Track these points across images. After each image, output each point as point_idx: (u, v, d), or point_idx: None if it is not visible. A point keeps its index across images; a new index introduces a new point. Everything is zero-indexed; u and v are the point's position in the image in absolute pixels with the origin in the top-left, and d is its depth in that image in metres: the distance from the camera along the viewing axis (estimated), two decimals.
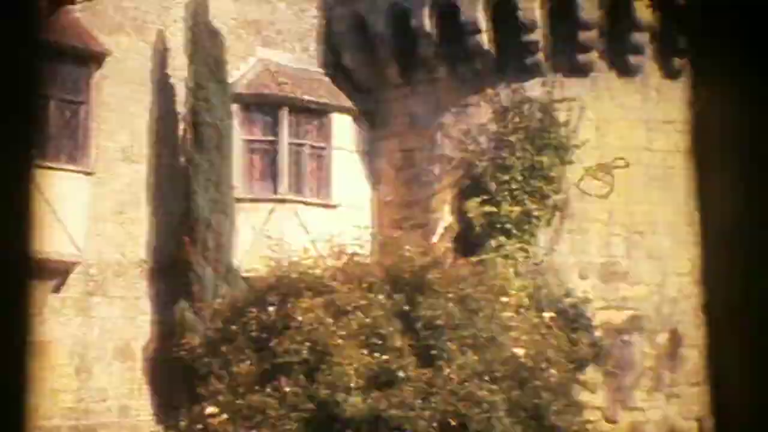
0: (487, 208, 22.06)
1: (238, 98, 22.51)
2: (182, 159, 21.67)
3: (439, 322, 17.21)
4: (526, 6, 22.42)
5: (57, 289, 19.87)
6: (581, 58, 22.70)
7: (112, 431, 20.53)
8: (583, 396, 19.71)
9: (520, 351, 16.70)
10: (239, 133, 22.44)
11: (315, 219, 22.60)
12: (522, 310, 19.37)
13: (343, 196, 23.48)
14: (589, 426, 20.09)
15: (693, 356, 22.32)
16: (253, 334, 18.07)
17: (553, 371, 17.27)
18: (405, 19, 23.23)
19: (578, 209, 22.42)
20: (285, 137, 22.88)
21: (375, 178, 24.31)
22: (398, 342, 17.06)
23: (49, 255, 17.85)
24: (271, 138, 22.93)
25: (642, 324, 22.20)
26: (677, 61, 22.67)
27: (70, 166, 20.00)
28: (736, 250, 1.63)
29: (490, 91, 22.97)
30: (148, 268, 21.24)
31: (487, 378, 16.10)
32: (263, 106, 23.04)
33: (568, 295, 21.50)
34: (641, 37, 22.64)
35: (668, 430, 21.83)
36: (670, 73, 23.03)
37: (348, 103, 23.87)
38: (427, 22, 22.97)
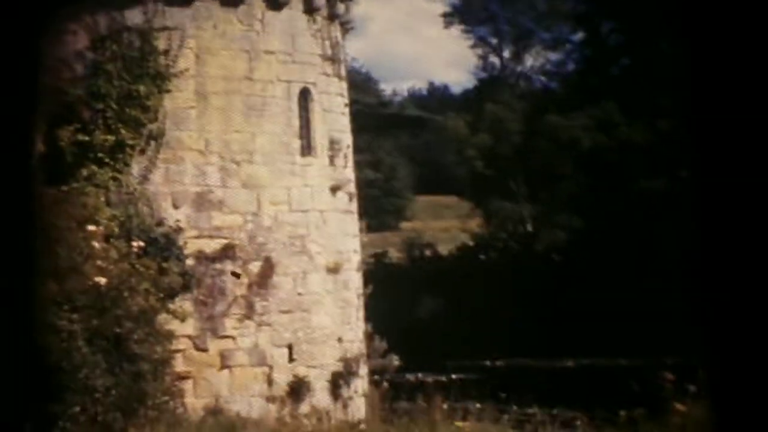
0: (80, 137, 21.74)
1: None
2: None
3: None
4: None
5: None
6: None
7: None
8: (173, 325, 19.85)
9: (102, 280, 16.59)
10: None
11: None
12: (112, 239, 19.26)
13: None
14: (178, 354, 20.30)
15: (285, 284, 22.93)
16: None
17: (139, 300, 17.28)
18: None
19: (174, 138, 22.42)
20: None
21: None
22: None
23: None
24: None
25: (235, 253, 22.55)
26: None
27: None
28: None
29: (88, 18, 22.55)
30: None
31: (66, 307, 15.95)
32: None
33: (160, 224, 21.55)
34: None
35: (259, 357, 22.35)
36: (274, 5, 23.39)
37: None
38: None
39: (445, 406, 14.32)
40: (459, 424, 11.28)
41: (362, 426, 13.11)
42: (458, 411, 13.30)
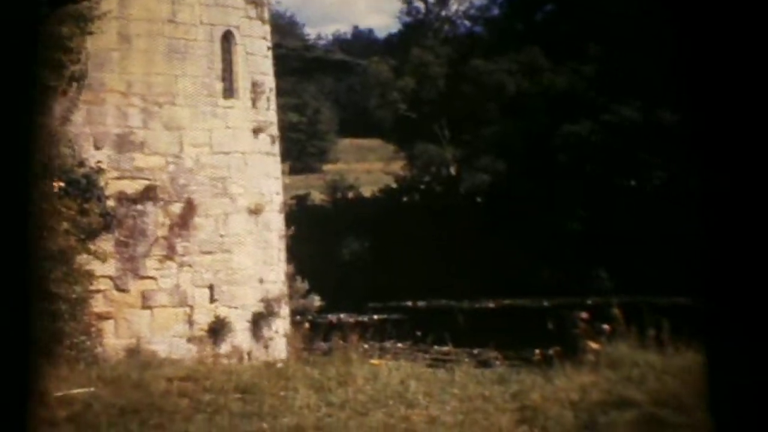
0: None
1: None
2: None
3: None
4: None
5: None
6: None
7: None
8: (94, 265, 19.85)
9: None
10: None
11: None
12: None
13: None
14: (98, 295, 20.33)
15: (206, 225, 23.01)
16: None
17: (58, 240, 17.28)
18: None
19: (96, 80, 22.30)
20: None
21: None
22: None
23: None
24: None
25: (157, 194, 22.56)
26: None
27: None
28: None
29: None
30: None
31: None
32: None
33: (81, 165, 21.47)
34: None
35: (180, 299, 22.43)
36: None
37: None
38: None
39: (367, 346, 14.57)
40: (374, 361, 11.53)
41: (279, 365, 13.32)
42: (376, 350, 13.57)
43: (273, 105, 25.59)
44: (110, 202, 21.73)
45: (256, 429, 8.92)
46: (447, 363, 14.53)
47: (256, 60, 24.78)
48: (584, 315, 13.56)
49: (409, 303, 50.38)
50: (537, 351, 14.40)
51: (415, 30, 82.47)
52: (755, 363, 1.44)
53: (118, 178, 22.17)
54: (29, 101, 1.74)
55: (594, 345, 12.66)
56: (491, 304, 50.81)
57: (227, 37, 23.87)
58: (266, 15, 25.52)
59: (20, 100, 1.71)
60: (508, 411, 9.21)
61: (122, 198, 22.09)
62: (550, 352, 13.38)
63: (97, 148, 22.15)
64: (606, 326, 12.96)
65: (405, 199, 66.73)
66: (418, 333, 18.66)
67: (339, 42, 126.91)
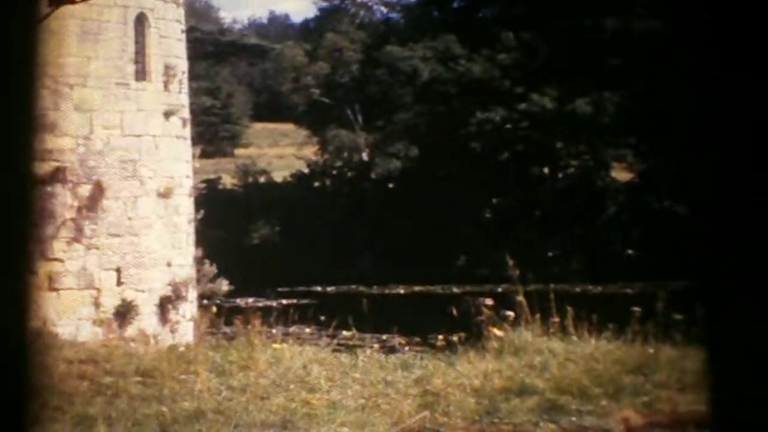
0: None
1: None
2: None
3: None
4: None
5: None
6: None
7: None
8: None
9: None
10: None
11: None
12: None
13: None
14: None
15: (115, 208, 22.87)
16: None
17: None
18: None
19: None
20: None
21: None
22: None
23: None
24: None
25: (66, 176, 22.38)
26: None
27: None
28: None
29: None
30: None
31: None
32: None
33: None
34: None
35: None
36: None
37: None
38: None
39: (274, 330, 14.60)
40: (276, 345, 11.56)
41: (181, 349, 13.31)
42: (280, 335, 13.59)
43: (185, 88, 25.48)
44: None
45: (155, 412, 8.91)
46: (352, 348, 14.62)
47: (170, 43, 24.66)
48: (489, 302, 13.67)
49: (319, 288, 50.40)
50: (440, 337, 14.51)
51: (332, 15, 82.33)
52: (756, 352, 1.49)
53: None
54: None
55: (498, 332, 12.78)
56: (401, 290, 50.98)
57: (141, 20, 23.72)
58: None
59: None
60: (410, 396, 9.31)
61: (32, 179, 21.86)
62: (454, 338, 13.48)
63: None
64: (510, 313, 13.10)
65: (316, 184, 66.68)
66: (322, 317, 18.67)
67: (254, 26, 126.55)
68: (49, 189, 22.10)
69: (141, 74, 23.75)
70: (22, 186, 1.75)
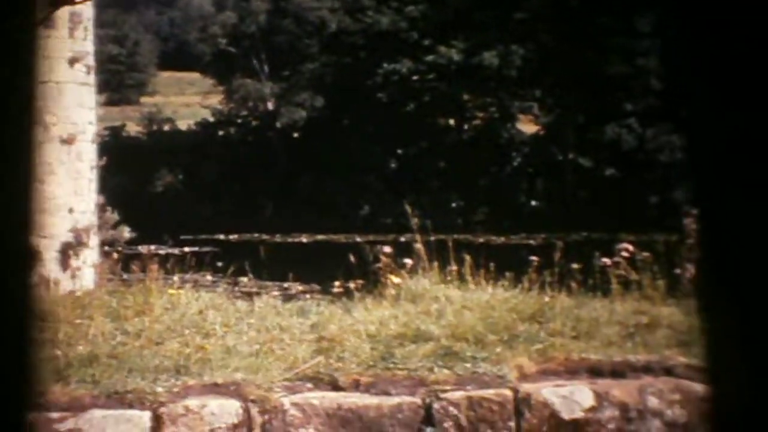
0: None
1: None
2: None
3: None
4: None
5: None
6: None
7: None
8: None
9: None
10: None
11: None
12: None
13: None
14: None
15: None
16: None
17: None
18: None
19: None
20: None
21: None
22: None
23: None
24: None
25: None
26: None
27: None
28: None
29: None
30: None
31: None
32: None
33: None
34: None
35: None
36: None
37: None
38: None
39: (176, 277, 14.60)
40: (172, 291, 11.58)
41: (78, 294, 13.26)
42: (178, 281, 13.61)
43: (91, 35, 25.13)
44: None
45: (49, 356, 8.93)
46: (249, 294, 14.69)
47: None
48: (387, 249, 13.78)
49: (221, 236, 50.29)
50: (337, 283, 14.56)
51: None
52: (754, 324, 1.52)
53: None
54: None
55: (395, 279, 12.92)
56: (304, 239, 51.06)
57: None
58: None
59: None
60: (305, 342, 9.40)
61: None
62: (352, 285, 13.59)
63: None
64: (409, 261, 13.24)
65: (221, 133, 66.38)
66: (219, 264, 18.67)
67: None
68: None
69: (45, 21, 23.46)
70: None
